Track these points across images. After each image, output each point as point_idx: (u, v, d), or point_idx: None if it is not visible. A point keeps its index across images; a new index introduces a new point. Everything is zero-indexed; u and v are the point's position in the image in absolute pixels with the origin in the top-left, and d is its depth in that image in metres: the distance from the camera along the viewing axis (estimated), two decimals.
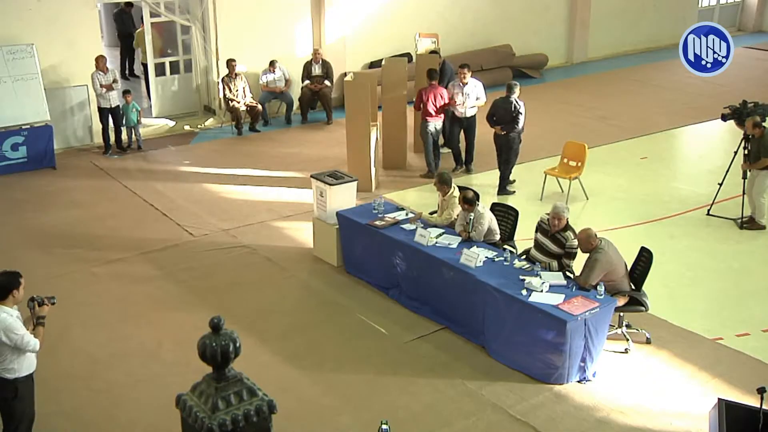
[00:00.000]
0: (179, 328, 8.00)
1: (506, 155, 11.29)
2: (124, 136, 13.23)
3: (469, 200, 8.30)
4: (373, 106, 11.55)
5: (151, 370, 7.36)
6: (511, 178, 11.56)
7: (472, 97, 11.89)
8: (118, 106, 12.91)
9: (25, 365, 5.74)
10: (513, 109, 11.04)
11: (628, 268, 7.73)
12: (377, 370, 7.35)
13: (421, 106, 11.83)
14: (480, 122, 11.98)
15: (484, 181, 11.78)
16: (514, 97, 11.08)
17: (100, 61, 12.68)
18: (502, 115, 11.14)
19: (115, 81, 12.79)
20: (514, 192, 11.43)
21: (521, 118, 11.06)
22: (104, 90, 12.62)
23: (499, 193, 11.33)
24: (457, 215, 8.66)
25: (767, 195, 10.14)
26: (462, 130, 12.25)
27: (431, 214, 9.01)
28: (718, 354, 7.58)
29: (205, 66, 14.61)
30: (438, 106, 11.78)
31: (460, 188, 8.88)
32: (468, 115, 11.99)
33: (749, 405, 5.95)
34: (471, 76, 11.99)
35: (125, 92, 13.18)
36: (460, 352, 7.61)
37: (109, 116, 12.88)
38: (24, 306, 5.80)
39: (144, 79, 15.96)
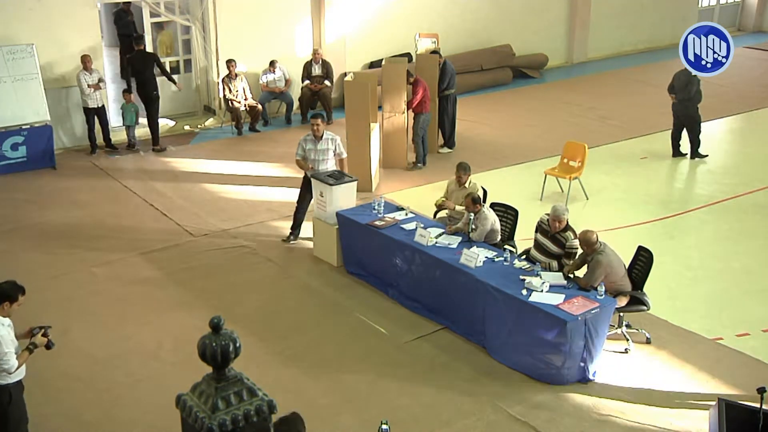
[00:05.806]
0: (179, 328, 8.00)
1: (689, 123, 12.46)
2: (123, 135, 13.20)
3: (475, 199, 8.34)
4: (373, 106, 11.55)
5: (151, 370, 7.36)
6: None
7: (331, 154, 9.53)
8: (103, 105, 12.80)
9: (18, 370, 5.74)
10: (685, 77, 12.30)
11: (627, 268, 7.73)
12: (377, 370, 7.35)
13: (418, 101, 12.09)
14: None
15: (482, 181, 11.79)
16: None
17: (86, 60, 12.45)
18: (677, 85, 12.47)
19: (101, 80, 12.66)
20: (707, 156, 12.69)
21: (691, 87, 12.27)
22: (92, 90, 12.50)
23: (691, 157, 12.68)
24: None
25: None
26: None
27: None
28: (718, 354, 7.58)
29: (205, 66, 14.60)
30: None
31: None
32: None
33: (749, 405, 5.96)
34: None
35: (125, 91, 13.16)
36: (460, 352, 7.61)
37: (95, 116, 12.76)
38: (22, 324, 5.84)
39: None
